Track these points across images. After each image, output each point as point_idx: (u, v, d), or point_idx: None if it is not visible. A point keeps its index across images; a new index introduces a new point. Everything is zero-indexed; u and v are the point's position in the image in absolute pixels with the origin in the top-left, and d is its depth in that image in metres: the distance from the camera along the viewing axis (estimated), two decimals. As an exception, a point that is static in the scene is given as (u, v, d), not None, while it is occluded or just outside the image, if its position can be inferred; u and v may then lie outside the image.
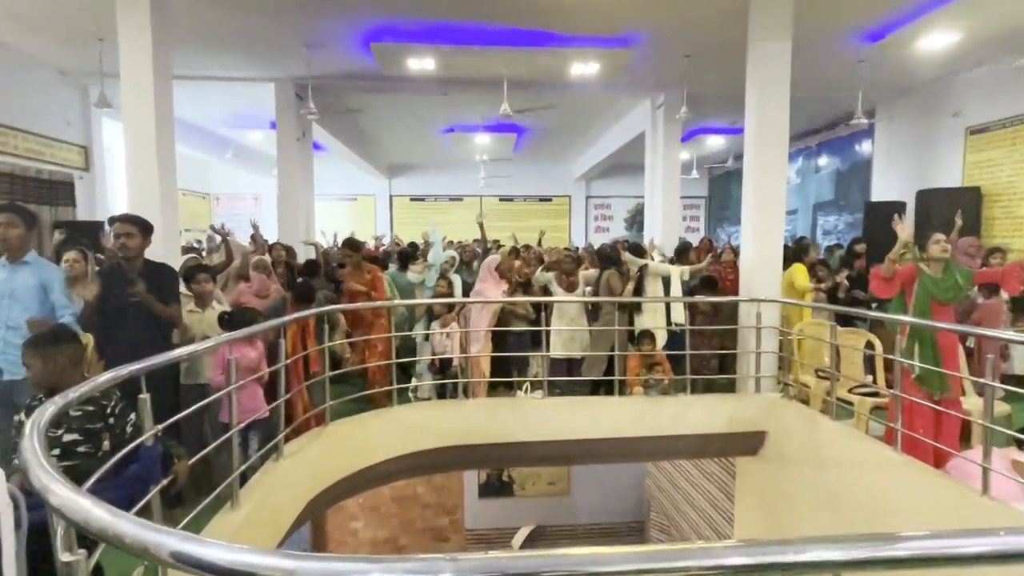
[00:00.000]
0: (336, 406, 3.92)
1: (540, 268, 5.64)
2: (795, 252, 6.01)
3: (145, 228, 3.35)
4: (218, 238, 5.66)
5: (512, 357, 5.29)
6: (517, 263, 6.17)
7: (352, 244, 5.16)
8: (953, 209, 5.16)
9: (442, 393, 4.99)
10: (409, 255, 6.53)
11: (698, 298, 5.27)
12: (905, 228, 3.55)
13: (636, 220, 17.25)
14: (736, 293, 5.37)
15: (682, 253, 6.53)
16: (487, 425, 4.37)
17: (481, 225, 7.46)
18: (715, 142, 12.62)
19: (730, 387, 5.38)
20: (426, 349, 5.13)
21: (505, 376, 5.29)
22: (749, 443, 4.67)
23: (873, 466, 3.41)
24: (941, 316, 3.50)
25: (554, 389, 5.54)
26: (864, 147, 10.18)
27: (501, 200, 17.16)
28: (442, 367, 4.97)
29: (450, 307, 4.99)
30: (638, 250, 5.93)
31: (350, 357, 4.47)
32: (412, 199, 16.95)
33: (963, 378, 3.73)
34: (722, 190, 16.64)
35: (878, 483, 3.31)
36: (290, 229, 8.20)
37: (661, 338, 4.99)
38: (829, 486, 3.74)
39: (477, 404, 4.52)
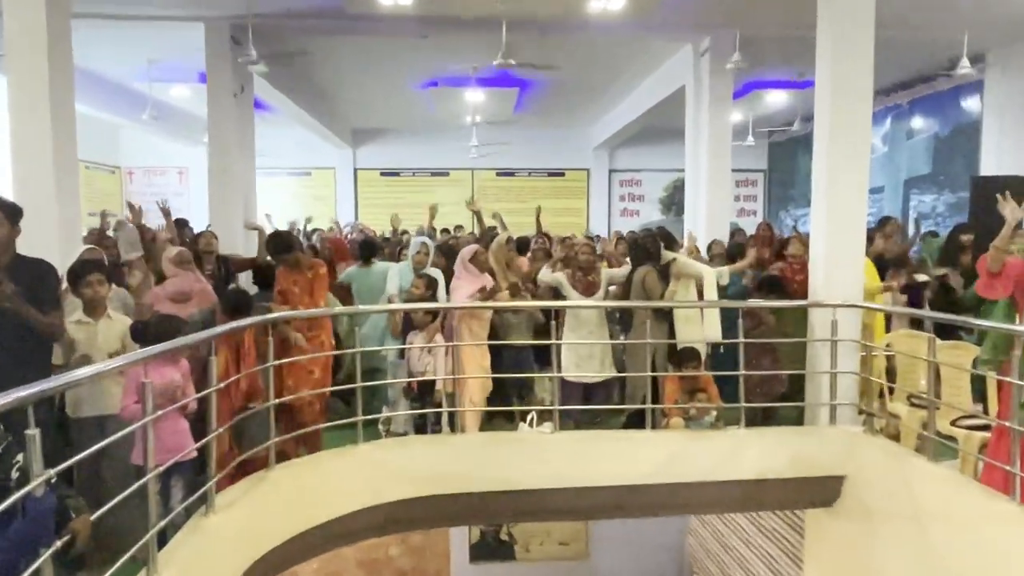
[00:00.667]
0: (286, 444, 3.89)
1: (548, 264, 5.65)
2: None
3: (11, 213, 3.34)
4: (129, 226, 5.66)
5: (513, 379, 5.27)
6: (521, 259, 6.17)
7: (279, 243, 4.85)
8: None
9: (422, 426, 4.99)
10: (375, 247, 6.53)
11: (751, 302, 5.26)
12: (1015, 208, 3.54)
13: (674, 201, 17.30)
14: (805, 297, 5.36)
15: (735, 252, 6.42)
16: (481, 467, 4.35)
17: (477, 212, 7.47)
18: (776, 99, 12.63)
19: (797, 418, 5.37)
20: (401, 369, 5.13)
21: (504, 404, 5.29)
22: (821, 492, 4.65)
23: (985, 523, 3.38)
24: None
25: (567, 421, 5.56)
26: (971, 105, 10.18)
27: (499, 175, 17.23)
28: (422, 392, 4.96)
29: (433, 315, 4.99)
30: (667, 239, 5.93)
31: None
32: (383, 173, 17.02)
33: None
34: (786, 162, 16.66)
35: (992, 546, 3.28)
36: (225, 212, 8.22)
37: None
38: (927, 549, 3.72)
39: (468, 440, 4.51)
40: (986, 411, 4.38)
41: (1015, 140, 8.98)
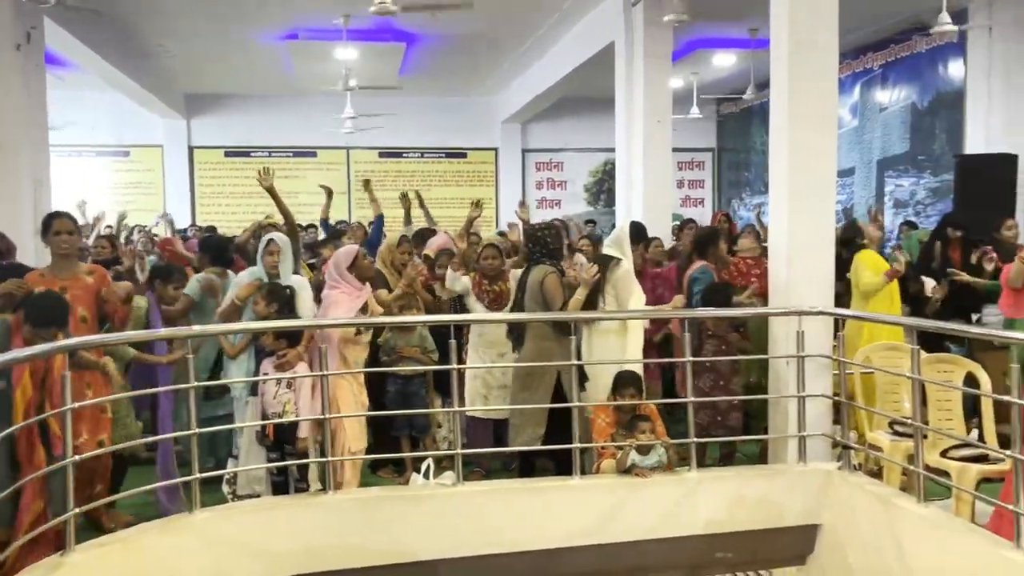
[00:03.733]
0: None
1: (451, 266, 5.65)
2: (844, 236, 6.22)
3: None
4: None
5: (401, 417, 5.19)
6: (419, 265, 6.06)
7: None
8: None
9: (282, 484, 4.88)
10: (224, 248, 6.30)
11: (703, 312, 5.37)
12: None
13: (604, 188, 17.62)
14: (766, 302, 5.51)
15: (705, 245, 6.43)
16: (362, 535, 4.29)
17: (367, 183, 7.64)
18: (725, 61, 13.03)
19: (761, 455, 5.51)
20: (251, 408, 5.00)
21: (392, 450, 5.23)
22: (792, 545, 4.77)
23: (987, 575, 3.53)
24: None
25: (474, 468, 5.53)
26: (953, 71, 10.80)
27: (382, 155, 17.14)
28: (280, 439, 4.83)
29: (292, 338, 4.84)
30: (639, 233, 6.00)
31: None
32: (228, 153, 16.74)
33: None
34: (738, 138, 17.25)
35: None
36: (6, 201, 7.75)
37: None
38: (918, 610, 3.86)
39: (345, 500, 4.42)
40: (981, 438, 4.60)
41: (1004, 110, 9.55)
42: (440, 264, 6.01)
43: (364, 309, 4.99)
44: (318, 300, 5.19)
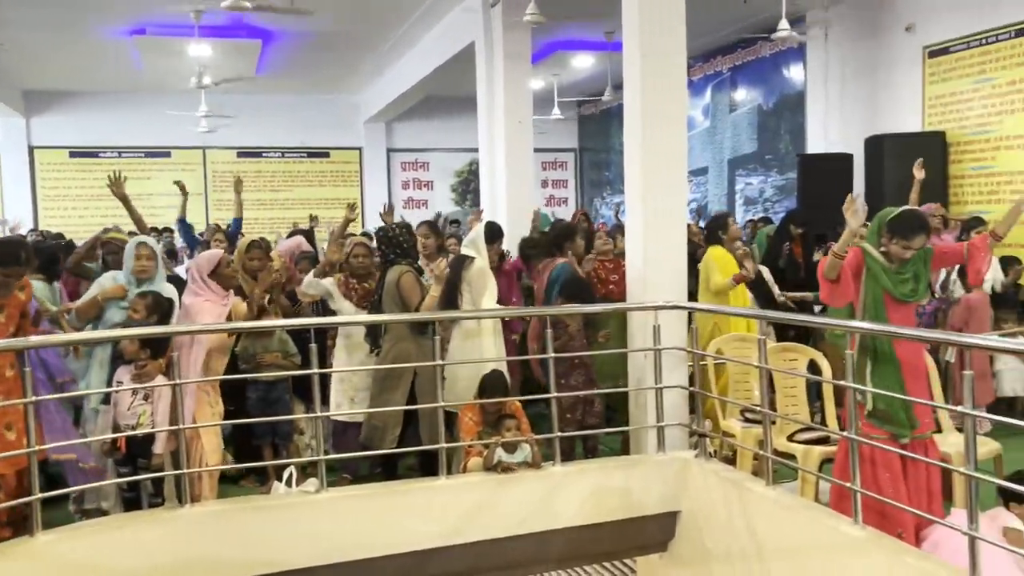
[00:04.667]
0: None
1: (314, 271, 5.61)
2: (710, 232, 6.50)
3: None
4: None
5: (261, 425, 5.11)
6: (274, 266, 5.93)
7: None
8: (912, 163, 5.94)
9: (134, 500, 4.67)
10: (51, 256, 5.95)
11: (563, 308, 5.48)
12: (858, 213, 3.97)
13: (470, 188, 17.68)
14: (624, 299, 5.66)
15: (562, 240, 6.54)
16: (223, 548, 4.16)
17: (238, 182, 7.54)
18: (584, 63, 13.31)
19: (623, 447, 5.65)
20: (102, 419, 4.82)
21: (254, 459, 5.14)
22: (654, 533, 4.91)
23: (828, 550, 3.74)
24: (899, 319, 3.95)
25: (342, 474, 5.46)
26: (795, 75, 11.41)
27: (241, 155, 16.66)
28: (133, 452, 4.63)
29: (154, 346, 4.65)
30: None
31: None
32: (74, 154, 16.09)
33: (933, 407, 4.26)
34: (599, 138, 17.67)
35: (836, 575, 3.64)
36: None
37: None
38: (770, 588, 4.05)
39: (203, 513, 4.27)
40: (824, 422, 4.87)
41: (840, 112, 10.17)
42: (300, 268, 5.91)
43: (229, 319, 4.86)
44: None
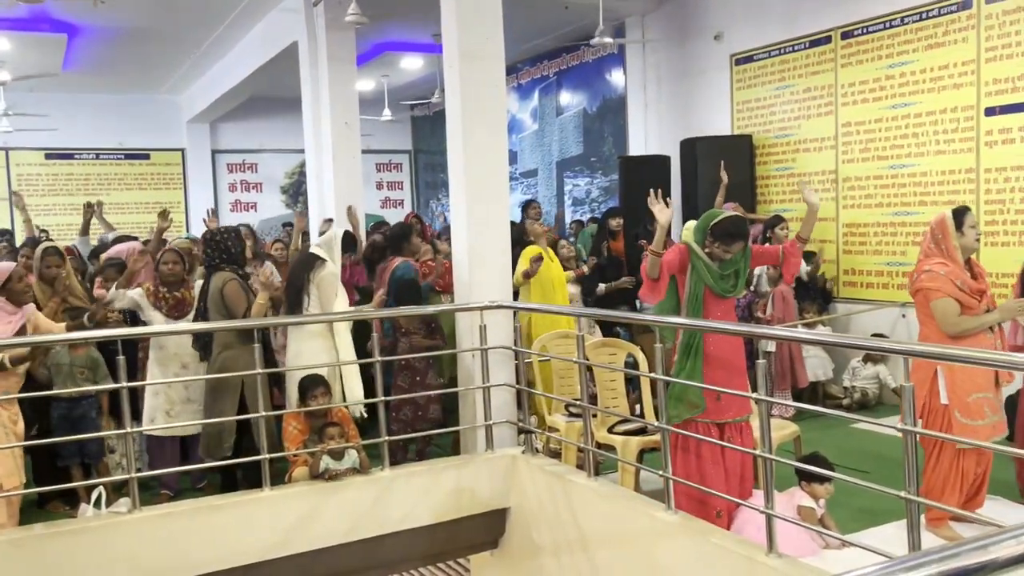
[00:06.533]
0: None
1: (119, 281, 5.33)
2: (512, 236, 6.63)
3: None
4: None
5: (68, 444, 4.87)
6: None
7: None
8: (723, 164, 6.29)
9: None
10: None
11: (395, 311, 5.47)
12: (664, 209, 4.17)
13: (302, 190, 17.21)
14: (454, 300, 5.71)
15: (399, 241, 6.56)
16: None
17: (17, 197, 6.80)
18: (412, 65, 13.29)
19: (454, 447, 5.69)
20: None
21: (61, 481, 4.88)
22: (485, 531, 4.99)
23: (644, 535, 3.92)
24: (719, 314, 4.20)
25: (161, 491, 5.22)
26: (616, 79, 11.82)
27: (49, 157, 15.55)
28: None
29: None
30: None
31: None
32: None
33: (739, 395, 4.52)
34: (432, 140, 17.67)
35: (652, 559, 3.81)
36: None
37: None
38: (593, 574, 4.19)
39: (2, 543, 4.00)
40: (641, 413, 5.08)
41: (658, 116, 10.62)
42: (107, 278, 5.59)
43: (23, 332, 4.53)
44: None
